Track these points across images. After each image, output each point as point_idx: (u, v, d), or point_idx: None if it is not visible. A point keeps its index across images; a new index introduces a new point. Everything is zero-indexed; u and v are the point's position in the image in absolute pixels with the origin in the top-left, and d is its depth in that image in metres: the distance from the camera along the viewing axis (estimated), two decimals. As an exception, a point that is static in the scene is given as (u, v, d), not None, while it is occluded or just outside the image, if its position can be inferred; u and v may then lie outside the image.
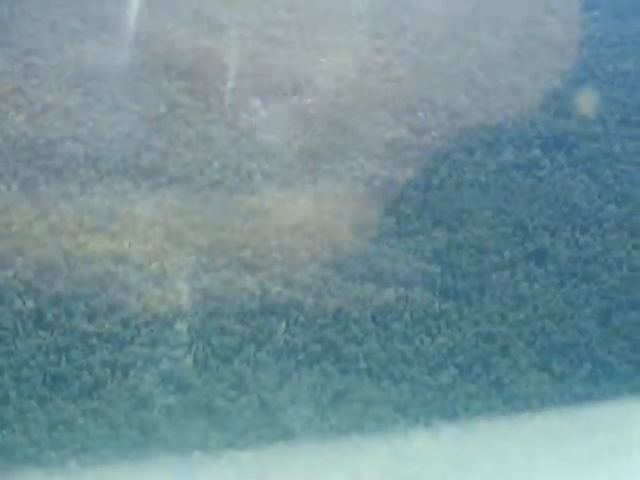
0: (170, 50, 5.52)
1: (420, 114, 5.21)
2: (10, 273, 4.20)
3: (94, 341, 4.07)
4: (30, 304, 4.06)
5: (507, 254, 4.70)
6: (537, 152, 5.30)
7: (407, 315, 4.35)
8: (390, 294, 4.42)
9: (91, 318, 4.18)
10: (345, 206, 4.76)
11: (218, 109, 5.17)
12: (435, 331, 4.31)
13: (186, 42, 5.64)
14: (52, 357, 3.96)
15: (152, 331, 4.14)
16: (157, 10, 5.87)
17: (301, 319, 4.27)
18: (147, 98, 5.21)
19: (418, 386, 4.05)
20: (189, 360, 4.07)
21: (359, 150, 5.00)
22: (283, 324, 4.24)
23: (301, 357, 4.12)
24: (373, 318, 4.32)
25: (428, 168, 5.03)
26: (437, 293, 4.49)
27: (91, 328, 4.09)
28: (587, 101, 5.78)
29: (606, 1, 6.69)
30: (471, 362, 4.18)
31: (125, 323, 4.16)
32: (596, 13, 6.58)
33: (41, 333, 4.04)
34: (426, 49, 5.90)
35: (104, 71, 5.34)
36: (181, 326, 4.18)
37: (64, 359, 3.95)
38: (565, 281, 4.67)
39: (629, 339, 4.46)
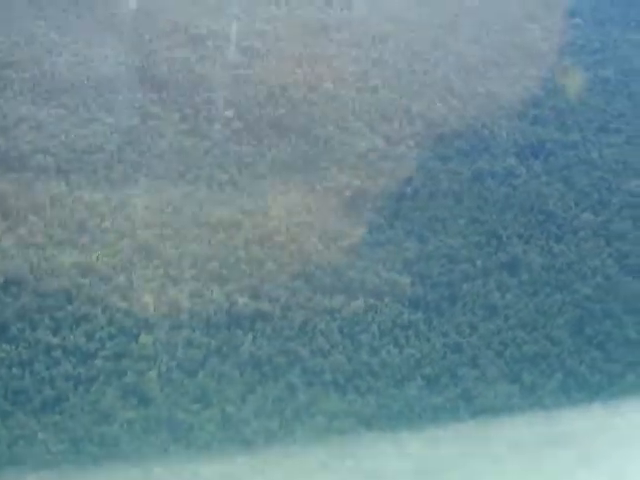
0: (146, 62, 5.51)
1: (395, 123, 5.23)
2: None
3: (58, 354, 4.11)
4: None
5: (479, 264, 4.65)
6: (513, 160, 5.27)
7: (375, 326, 4.32)
8: (359, 305, 4.38)
9: (56, 331, 4.21)
10: (316, 217, 4.73)
11: (192, 120, 5.17)
12: (403, 342, 4.26)
13: (163, 53, 5.63)
14: (15, 371, 3.94)
15: (117, 344, 4.18)
16: (136, 22, 5.88)
17: (268, 331, 4.24)
18: (121, 110, 5.21)
19: (384, 398, 4.01)
20: (153, 373, 4.05)
21: (332, 160, 4.98)
22: (249, 336, 4.24)
23: (266, 369, 4.09)
24: (340, 330, 4.28)
25: (402, 177, 4.99)
26: (407, 304, 4.45)
27: (55, 341, 4.13)
28: (565, 108, 5.74)
29: (588, 9, 6.68)
30: (438, 373, 4.14)
31: (90, 336, 4.19)
32: (578, 20, 6.54)
33: (4, 346, 4.04)
34: (404, 58, 5.88)
35: (79, 83, 5.34)
36: (146, 339, 4.18)
37: (27, 373, 3.94)
38: (538, 290, 4.63)
39: (602, 349, 4.40)
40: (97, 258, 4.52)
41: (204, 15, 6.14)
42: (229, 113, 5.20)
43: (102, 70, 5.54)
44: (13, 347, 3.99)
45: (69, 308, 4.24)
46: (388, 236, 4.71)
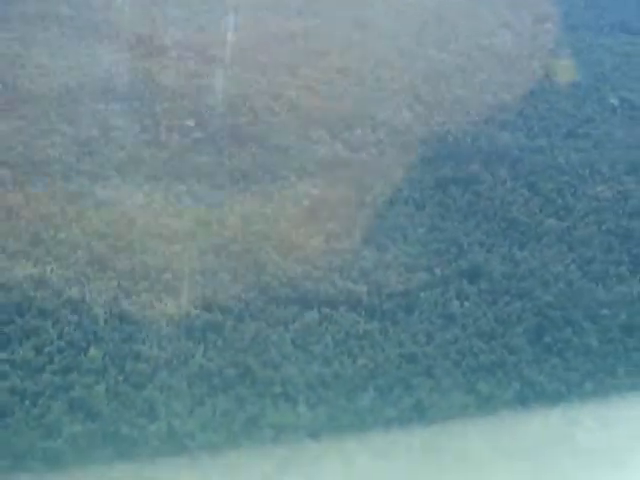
0: (109, 72, 5.51)
1: (358, 131, 5.20)
2: None
3: (5, 368, 4.06)
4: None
5: (438, 272, 4.60)
6: (477, 167, 5.21)
7: (329, 337, 4.25)
8: (313, 316, 4.33)
9: (4, 345, 4.16)
10: (272, 226, 4.68)
11: (152, 131, 5.15)
12: (357, 352, 4.19)
13: (126, 64, 5.63)
14: (-40, 386, 3.95)
15: (66, 358, 4.14)
16: (101, 34, 5.90)
17: (219, 343, 4.20)
18: (81, 121, 5.19)
19: (334, 410, 3.96)
20: (101, 387, 4.00)
21: (291, 169, 4.93)
22: (200, 348, 4.19)
23: (216, 382, 4.04)
24: (293, 341, 4.22)
25: (362, 185, 4.94)
26: (362, 313, 4.40)
27: (3, 355, 4.08)
28: (534, 114, 5.70)
29: (560, 14, 6.64)
30: (392, 384, 4.07)
31: (39, 350, 4.15)
32: (549, 25, 6.52)
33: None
34: (371, 65, 5.85)
35: (41, 95, 5.34)
36: (96, 352, 4.13)
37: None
38: (498, 298, 4.55)
39: (561, 357, 4.32)
40: (50, 270, 4.57)
41: (170, 26, 6.13)
42: (189, 123, 5.18)
43: (64, 81, 5.52)
44: (-41, 361, 4.06)
45: (19, 322, 4.24)
46: (345, 245, 4.66)
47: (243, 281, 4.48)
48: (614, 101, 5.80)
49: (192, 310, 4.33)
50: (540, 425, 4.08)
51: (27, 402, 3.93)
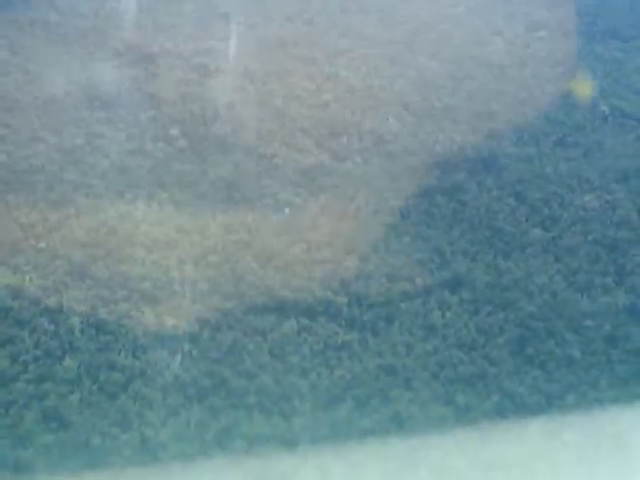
0: (95, 80, 5.50)
1: (344, 139, 5.16)
2: None
3: (-20, 378, 4.05)
4: None
5: (420, 282, 4.56)
6: (463, 176, 5.16)
7: (306, 347, 4.22)
8: (291, 325, 4.30)
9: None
10: (253, 235, 4.64)
11: (137, 139, 5.12)
12: (335, 363, 4.14)
13: (113, 72, 5.60)
14: None
15: (41, 367, 4.11)
16: (89, 41, 5.88)
17: (195, 353, 4.18)
18: (66, 129, 5.16)
19: (310, 421, 3.92)
20: (75, 397, 3.97)
21: (274, 177, 4.90)
22: (176, 358, 4.16)
23: (190, 392, 4.01)
24: (270, 351, 4.19)
25: (345, 195, 4.90)
26: (342, 324, 4.35)
27: (-23, 365, 4.08)
28: (523, 122, 5.64)
29: (554, 21, 6.58)
30: (369, 395, 4.03)
31: (14, 359, 4.12)
32: (542, 33, 6.46)
33: None
34: (360, 73, 5.80)
35: (26, 103, 5.32)
36: (71, 362, 4.10)
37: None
38: (480, 309, 4.49)
39: (543, 369, 4.26)
40: (29, 279, 4.54)
41: (158, 33, 6.10)
42: (174, 131, 5.16)
43: (50, 89, 5.50)
44: None
45: (-5, 330, 4.26)
46: (326, 255, 4.61)
47: (222, 290, 4.44)
48: (605, 109, 5.76)
49: (169, 320, 4.32)
50: (518, 438, 4.02)
51: (1, 411, 3.97)
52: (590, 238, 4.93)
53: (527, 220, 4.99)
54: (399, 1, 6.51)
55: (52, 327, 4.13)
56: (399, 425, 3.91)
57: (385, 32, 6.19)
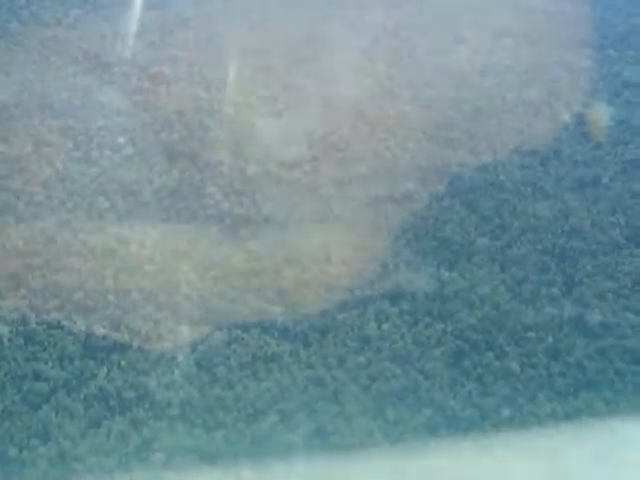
0: (48, 89, 5.48)
1: (293, 148, 5.10)
2: None
3: None
4: None
5: (358, 293, 4.48)
6: (413, 185, 5.10)
7: (236, 359, 4.16)
8: (222, 337, 4.24)
9: None
10: (192, 245, 4.59)
11: (84, 147, 5.10)
12: (262, 375, 4.07)
13: (67, 80, 5.59)
14: None
15: (-35, 378, 4.09)
16: (46, 49, 5.86)
17: (122, 364, 4.12)
18: (14, 138, 5.16)
19: (232, 434, 3.85)
20: (-4, 408, 3.97)
21: (218, 187, 4.85)
22: (102, 369, 4.10)
23: (113, 404, 3.96)
24: (198, 362, 4.13)
25: (290, 203, 4.83)
26: (275, 335, 4.29)
27: None
28: (481, 130, 5.55)
29: (521, 29, 6.49)
30: (295, 409, 3.96)
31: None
32: (508, 41, 6.37)
33: None
34: (318, 82, 5.74)
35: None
36: (-5, 372, 4.09)
37: None
38: (418, 320, 4.41)
39: (479, 382, 4.15)
40: (-38, 289, 4.54)
41: (118, 42, 6.10)
42: (121, 140, 5.14)
43: (1, 97, 5.57)
44: None
45: None
46: (265, 265, 4.57)
47: (155, 301, 4.38)
48: (565, 116, 5.66)
49: (100, 330, 4.26)
50: (448, 454, 3.94)
51: None
52: (539, 247, 4.83)
53: (476, 229, 4.89)
54: (364, 10, 6.45)
55: (-19, 337, 4.20)
56: (323, 440, 3.84)
57: (347, 40, 6.13)
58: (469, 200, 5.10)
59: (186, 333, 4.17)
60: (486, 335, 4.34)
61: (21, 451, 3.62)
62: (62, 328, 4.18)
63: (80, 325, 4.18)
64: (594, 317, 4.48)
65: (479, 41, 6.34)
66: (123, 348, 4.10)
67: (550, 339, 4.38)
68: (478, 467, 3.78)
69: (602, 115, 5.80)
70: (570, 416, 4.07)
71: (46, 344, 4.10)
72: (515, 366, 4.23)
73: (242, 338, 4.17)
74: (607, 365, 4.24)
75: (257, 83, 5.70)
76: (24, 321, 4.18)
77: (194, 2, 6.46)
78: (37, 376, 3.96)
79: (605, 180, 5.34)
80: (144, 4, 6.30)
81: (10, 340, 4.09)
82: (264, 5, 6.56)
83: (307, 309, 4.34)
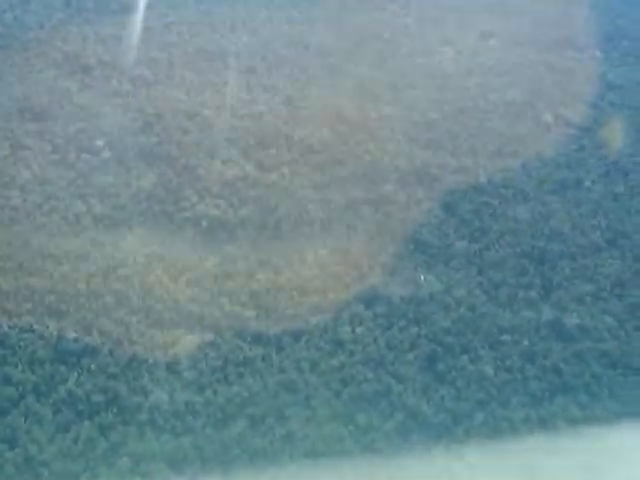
0: (29, 92, 5.48)
1: (273, 150, 5.08)
2: None
3: None
4: None
5: (333, 296, 4.47)
6: (392, 187, 5.07)
7: (207, 363, 4.14)
8: (194, 340, 4.23)
9: None
10: (167, 248, 4.58)
11: (62, 151, 5.09)
12: (234, 380, 4.05)
13: (48, 83, 5.59)
14: None
15: None
16: (28, 52, 5.85)
17: (93, 368, 4.10)
18: (-8, 141, 5.20)
19: (200, 439, 3.83)
20: (-36, 413, 3.95)
21: (195, 189, 4.84)
22: (73, 373, 4.07)
23: (82, 408, 3.94)
24: (168, 366, 4.11)
25: (267, 206, 4.82)
26: (248, 339, 4.27)
27: None
28: (462, 132, 5.53)
29: (506, 30, 6.45)
30: (265, 413, 3.94)
31: None
32: (493, 42, 6.34)
33: None
34: (299, 84, 5.74)
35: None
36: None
37: None
38: (393, 324, 4.39)
39: (452, 386, 4.14)
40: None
41: (100, 45, 6.10)
42: (99, 143, 5.13)
43: (-19, 101, 5.58)
44: None
45: None
46: (240, 268, 4.56)
47: (128, 304, 4.39)
48: (548, 118, 5.62)
49: (71, 333, 4.25)
50: (419, 461, 3.90)
51: None
52: (518, 250, 4.80)
53: (455, 232, 4.89)
54: (348, 11, 6.44)
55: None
56: (292, 446, 3.81)
57: (330, 42, 6.11)
58: (448, 203, 5.08)
59: (157, 337, 4.16)
60: (461, 338, 4.30)
61: (-13, 456, 3.68)
62: (34, 332, 4.17)
63: (52, 329, 4.18)
64: (571, 320, 4.45)
65: (464, 43, 6.33)
66: (94, 352, 4.10)
67: (526, 342, 4.35)
68: (450, 473, 3.76)
69: (585, 117, 5.77)
70: (544, 421, 4.05)
71: (17, 348, 4.08)
72: (488, 370, 4.19)
73: (214, 342, 4.19)
74: (583, 369, 4.20)
75: (238, 85, 5.68)
76: (-4, 325, 4.23)
77: (176, 6, 6.49)
78: (7, 380, 3.92)
79: (587, 183, 5.33)
80: (126, 8, 6.31)
81: (-19, 344, 4.13)
82: (246, 8, 6.56)
83: (281, 313, 4.32)
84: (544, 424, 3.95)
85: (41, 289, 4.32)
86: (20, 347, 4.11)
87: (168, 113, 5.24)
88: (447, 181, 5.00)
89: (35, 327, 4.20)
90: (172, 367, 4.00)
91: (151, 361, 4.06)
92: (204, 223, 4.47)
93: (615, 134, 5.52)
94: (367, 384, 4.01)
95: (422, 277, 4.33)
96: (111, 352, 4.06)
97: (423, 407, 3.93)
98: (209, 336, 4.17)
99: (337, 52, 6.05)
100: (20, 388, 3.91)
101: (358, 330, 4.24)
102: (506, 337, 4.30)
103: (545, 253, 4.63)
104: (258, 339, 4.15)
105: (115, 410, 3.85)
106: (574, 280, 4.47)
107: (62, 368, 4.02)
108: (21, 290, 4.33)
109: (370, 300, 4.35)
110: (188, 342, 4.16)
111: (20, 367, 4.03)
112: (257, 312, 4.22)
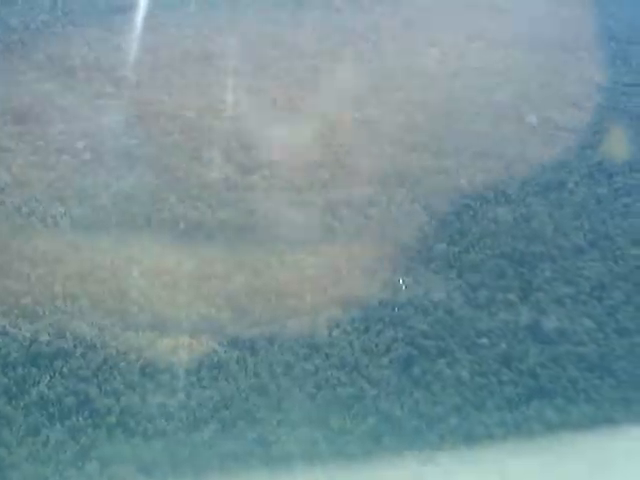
0: (9, 94, 5.49)
1: (253, 152, 5.06)
2: None
3: None
4: None
5: (309, 299, 4.44)
6: (373, 189, 5.04)
7: (180, 366, 4.13)
8: (168, 343, 4.21)
9: None
10: (144, 251, 4.57)
11: (42, 153, 5.09)
12: (206, 383, 4.02)
13: (30, 86, 5.59)
14: None
15: None
16: (11, 54, 5.85)
17: (64, 371, 4.08)
18: (-28, 143, 5.20)
19: (171, 443, 3.81)
20: None
21: (173, 191, 4.81)
22: (44, 376, 4.06)
23: (53, 411, 3.92)
24: (142, 369, 4.09)
25: (245, 209, 4.79)
26: (223, 342, 4.23)
27: None
28: (446, 134, 5.50)
29: (494, 31, 6.43)
30: (236, 417, 3.91)
31: None
32: (480, 43, 6.30)
33: None
34: (283, 85, 5.72)
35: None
36: None
37: None
38: (369, 327, 4.37)
39: (427, 390, 4.10)
40: None
41: (84, 46, 6.10)
42: (80, 145, 5.12)
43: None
44: None
45: None
46: (217, 270, 4.53)
47: (103, 307, 4.36)
48: (532, 119, 5.59)
49: (45, 336, 4.23)
50: (392, 465, 3.87)
51: None
52: (498, 252, 4.76)
53: (434, 234, 4.86)
54: (333, 13, 6.44)
55: None
56: (264, 449, 3.79)
57: (315, 44, 6.09)
58: (429, 205, 5.06)
59: (132, 340, 4.15)
60: (437, 341, 4.27)
61: (-45, 460, 3.67)
62: (7, 334, 4.18)
63: (25, 331, 4.18)
64: (550, 323, 4.44)
65: (451, 44, 6.31)
66: (67, 354, 4.08)
67: (503, 345, 4.32)
68: (423, 478, 3.73)
69: (571, 119, 5.75)
70: (520, 425, 4.02)
71: (-11, 351, 4.12)
72: (465, 373, 4.15)
73: (189, 344, 4.17)
74: (560, 373, 4.18)
75: (221, 87, 5.67)
76: (-32, 328, 4.22)
77: (162, 8, 6.50)
78: (-23, 384, 3.97)
79: (570, 185, 5.31)
80: (112, 9, 6.33)
81: (-47, 347, 4.12)
82: (232, 9, 6.56)
83: (257, 315, 4.30)
84: (519, 428, 3.95)
85: (16, 291, 4.31)
86: (-8, 350, 4.14)
87: (150, 115, 5.22)
88: (429, 183, 4.97)
89: (8, 329, 4.20)
90: (145, 370, 3.99)
91: (124, 364, 4.06)
92: (182, 225, 4.46)
93: (601, 136, 5.50)
94: (341, 388, 3.95)
95: (400, 280, 4.32)
96: (84, 355, 4.05)
97: (397, 411, 3.91)
98: (184, 339, 4.17)
99: (322, 54, 6.02)
100: (-9, 391, 3.94)
101: (334, 333, 4.23)
102: (484, 340, 4.28)
103: (525, 255, 4.59)
104: (233, 342, 4.11)
105: (86, 413, 3.84)
106: (554, 282, 4.43)
107: (34, 371, 4.01)
108: (-4, 293, 4.36)
109: (347, 303, 4.34)
110: (162, 345, 4.15)
111: (-8, 370, 4.07)
112: (233, 315, 4.22)
